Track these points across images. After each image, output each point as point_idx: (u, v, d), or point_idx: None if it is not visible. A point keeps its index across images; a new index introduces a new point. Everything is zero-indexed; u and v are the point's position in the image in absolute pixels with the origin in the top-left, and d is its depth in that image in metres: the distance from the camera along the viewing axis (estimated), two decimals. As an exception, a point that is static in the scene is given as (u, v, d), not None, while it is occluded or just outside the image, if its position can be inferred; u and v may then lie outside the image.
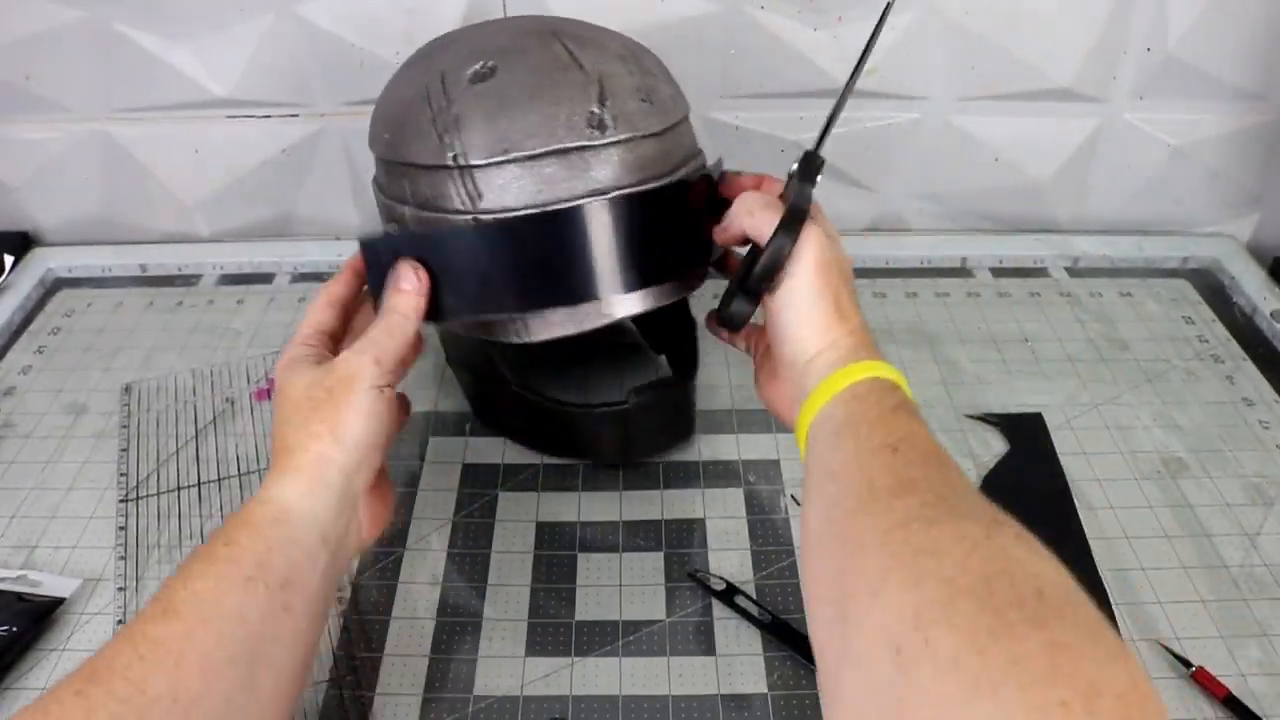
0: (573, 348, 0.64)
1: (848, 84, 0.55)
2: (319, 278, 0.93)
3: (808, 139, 0.97)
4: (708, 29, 0.84)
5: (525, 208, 0.56)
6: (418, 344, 0.56)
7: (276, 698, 0.45)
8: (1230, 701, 0.56)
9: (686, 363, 0.74)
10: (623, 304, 0.58)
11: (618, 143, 0.57)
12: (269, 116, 0.90)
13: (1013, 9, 0.83)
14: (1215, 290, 0.91)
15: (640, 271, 0.57)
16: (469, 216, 0.57)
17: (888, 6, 0.56)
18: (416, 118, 0.59)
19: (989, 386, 0.79)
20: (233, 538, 0.46)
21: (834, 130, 0.55)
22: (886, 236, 0.96)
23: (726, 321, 0.54)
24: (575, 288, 0.57)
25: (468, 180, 0.57)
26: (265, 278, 0.93)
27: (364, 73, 0.87)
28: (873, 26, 0.56)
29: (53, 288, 0.93)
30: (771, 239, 0.50)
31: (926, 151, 0.91)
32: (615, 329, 0.61)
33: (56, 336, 0.86)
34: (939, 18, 0.84)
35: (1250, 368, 0.81)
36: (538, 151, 0.56)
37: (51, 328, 0.87)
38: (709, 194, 0.61)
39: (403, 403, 0.60)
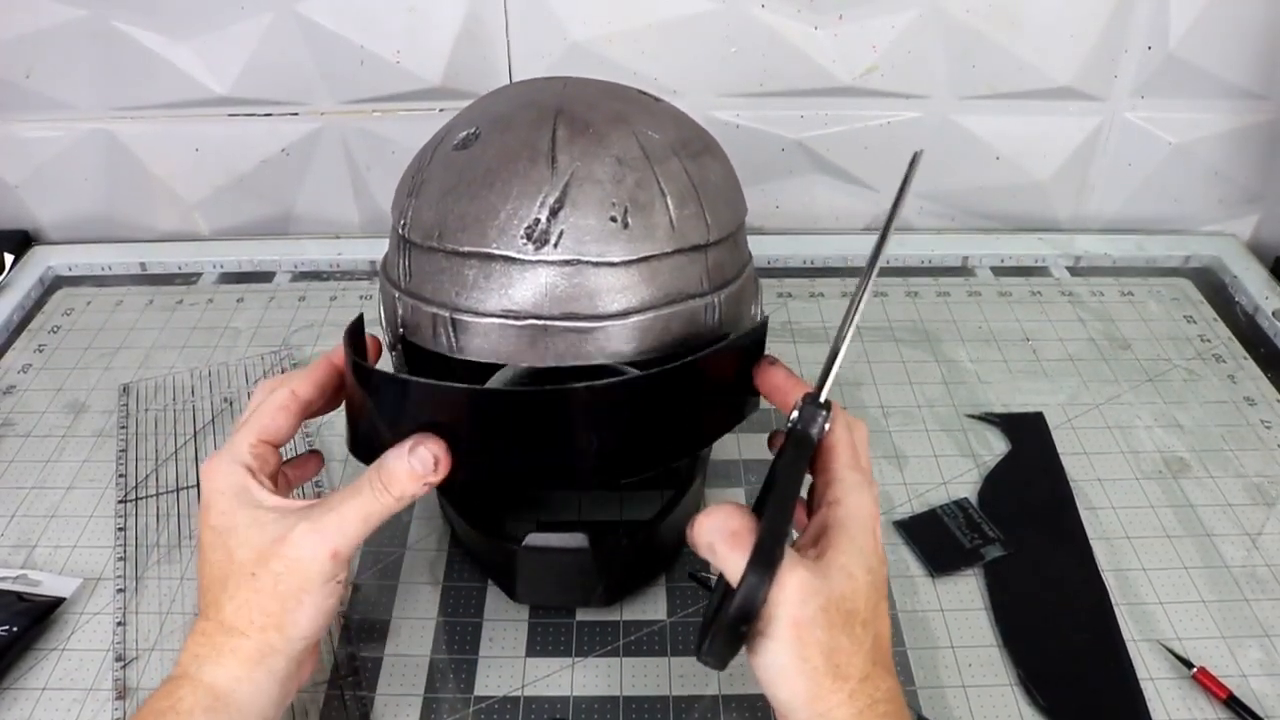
0: None
1: (855, 296, 0.47)
2: (319, 276, 0.93)
3: (808, 138, 0.98)
4: (708, 27, 0.84)
5: (439, 305, 0.50)
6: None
7: None
8: (1232, 702, 0.55)
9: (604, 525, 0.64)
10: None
11: (551, 263, 0.48)
12: (269, 115, 0.90)
13: (1013, 8, 0.83)
14: (1217, 289, 0.91)
15: (530, 473, 0.49)
16: (397, 293, 0.53)
17: (915, 156, 0.48)
18: (408, 170, 0.56)
19: (990, 386, 0.79)
20: None
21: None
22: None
23: (703, 662, 0.44)
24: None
25: (405, 255, 0.52)
26: (265, 276, 0.93)
27: (364, 71, 0.87)
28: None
29: (52, 286, 0.93)
30: (739, 584, 0.40)
31: (927, 150, 0.91)
32: None
33: (56, 335, 0.86)
34: (940, 17, 0.84)
35: (1252, 367, 0.81)
36: (463, 249, 0.49)
37: (51, 326, 0.87)
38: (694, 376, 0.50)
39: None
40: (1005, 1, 0.83)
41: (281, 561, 0.44)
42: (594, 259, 0.48)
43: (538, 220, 0.48)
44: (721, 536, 0.43)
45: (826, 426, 0.46)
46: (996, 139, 0.91)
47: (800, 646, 0.41)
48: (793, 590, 0.41)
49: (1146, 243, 0.95)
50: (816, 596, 0.41)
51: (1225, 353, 0.82)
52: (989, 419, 0.75)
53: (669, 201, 0.51)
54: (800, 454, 0.45)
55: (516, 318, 0.49)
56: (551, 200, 0.49)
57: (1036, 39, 0.85)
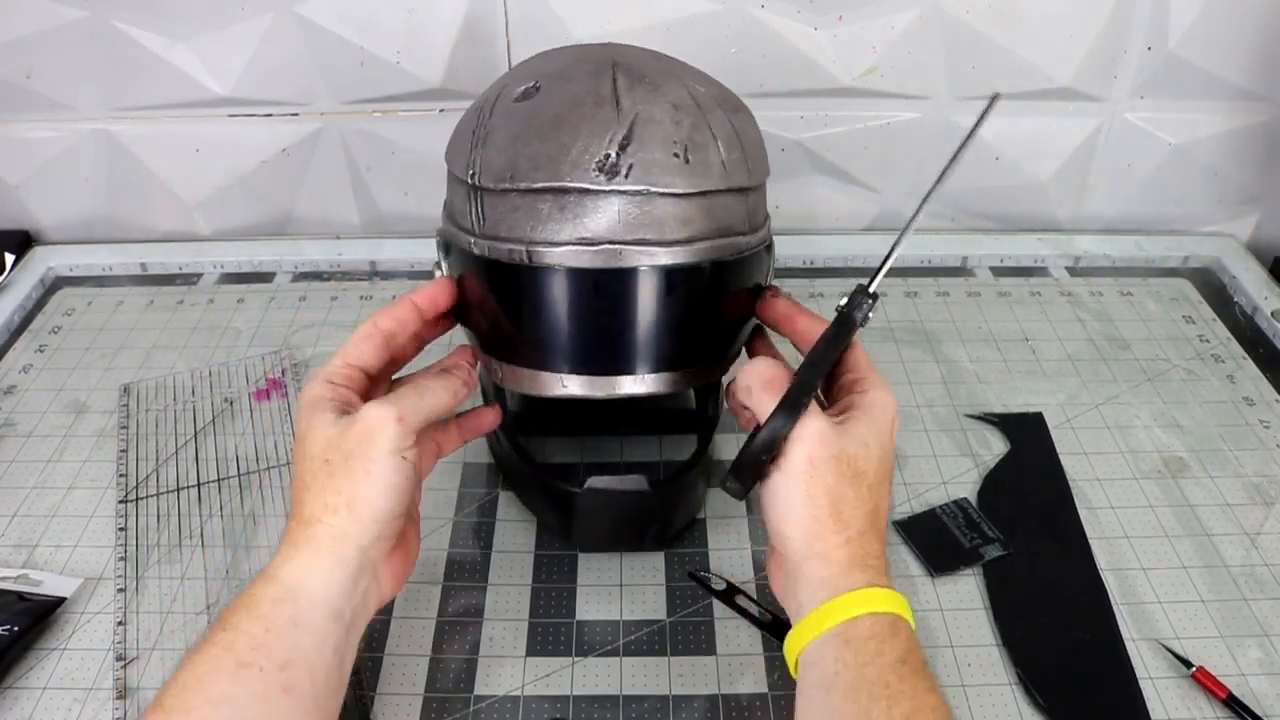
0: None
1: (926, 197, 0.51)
2: (319, 277, 0.93)
3: (808, 138, 0.98)
4: (708, 28, 0.84)
5: (515, 241, 0.53)
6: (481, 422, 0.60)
7: None
8: (1231, 701, 0.56)
9: (672, 468, 0.69)
10: (573, 382, 0.55)
11: (624, 193, 0.52)
12: (269, 115, 0.90)
13: (1013, 9, 0.83)
14: (1216, 289, 0.91)
15: (597, 352, 0.55)
16: (471, 239, 0.56)
17: (994, 98, 0.51)
18: (465, 127, 0.59)
19: (989, 386, 0.79)
20: (230, 623, 0.45)
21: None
22: (887, 235, 0.95)
23: (724, 489, 0.50)
24: (522, 346, 0.56)
25: (477, 200, 0.55)
26: (265, 277, 0.93)
27: (364, 72, 0.87)
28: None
29: (53, 286, 0.93)
30: (767, 421, 0.47)
31: (927, 150, 0.91)
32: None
33: (57, 335, 0.86)
34: (940, 17, 0.84)
35: (1251, 367, 0.81)
36: (537, 185, 0.52)
37: (52, 326, 0.87)
38: (727, 283, 0.56)
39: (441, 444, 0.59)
40: (1005, 2, 0.83)
41: (351, 439, 0.47)
42: (662, 189, 0.52)
43: (608, 155, 0.52)
44: (759, 382, 0.49)
45: (870, 315, 0.50)
46: (996, 139, 0.91)
47: (810, 484, 0.46)
48: (812, 433, 0.47)
49: (1146, 243, 0.95)
50: (831, 445, 0.47)
51: (1224, 353, 0.82)
52: (988, 419, 0.75)
53: (720, 145, 0.55)
54: (841, 332, 0.50)
55: (591, 244, 0.52)
56: (620, 137, 0.52)
57: (1036, 39, 0.85)
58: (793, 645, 0.47)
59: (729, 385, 0.54)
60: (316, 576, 0.46)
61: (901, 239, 0.52)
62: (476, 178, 0.55)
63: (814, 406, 0.48)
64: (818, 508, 0.46)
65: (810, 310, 0.56)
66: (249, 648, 0.44)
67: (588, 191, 0.52)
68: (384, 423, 0.47)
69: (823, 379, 0.50)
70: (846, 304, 0.51)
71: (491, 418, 0.62)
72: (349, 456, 0.47)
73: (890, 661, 0.43)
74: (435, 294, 0.57)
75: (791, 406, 0.47)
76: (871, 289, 0.51)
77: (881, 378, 0.51)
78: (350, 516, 0.47)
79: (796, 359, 0.52)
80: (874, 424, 0.48)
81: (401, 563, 0.52)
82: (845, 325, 0.50)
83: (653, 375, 0.55)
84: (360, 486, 0.47)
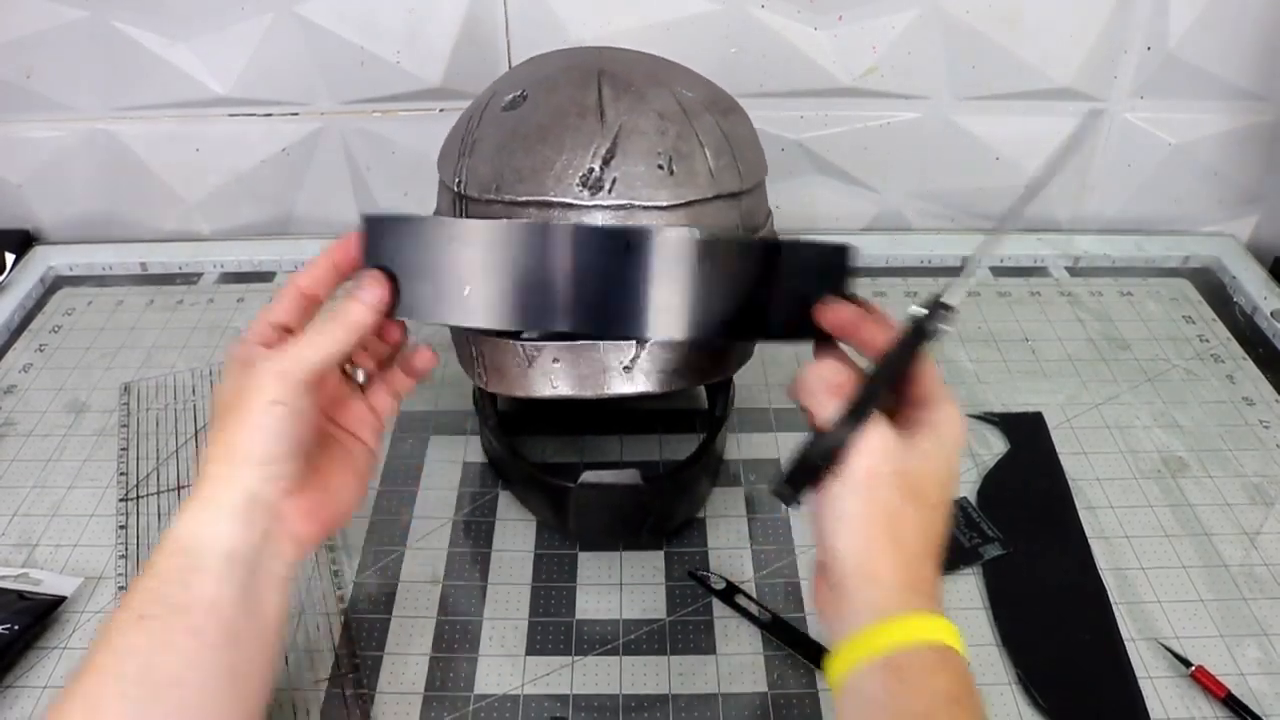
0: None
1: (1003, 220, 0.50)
2: (319, 276, 0.93)
3: (808, 138, 0.97)
4: (708, 28, 0.84)
5: None
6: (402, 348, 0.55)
7: (213, 713, 0.44)
8: (1230, 701, 0.56)
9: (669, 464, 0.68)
10: (562, 382, 0.55)
11: (607, 208, 0.52)
12: (269, 115, 0.90)
13: (1013, 9, 0.83)
14: (1215, 289, 0.91)
15: (595, 314, 0.51)
16: None
17: (1090, 113, 0.51)
18: (455, 135, 0.58)
19: (989, 386, 0.79)
20: (131, 586, 0.46)
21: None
22: (887, 235, 0.96)
23: (775, 494, 0.47)
24: (526, 308, 0.52)
25: (462, 210, 0.56)
26: (265, 276, 0.93)
27: (364, 72, 0.87)
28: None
29: (53, 286, 0.93)
30: (825, 431, 0.45)
31: (927, 150, 0.91)
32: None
33: (57, 335, 0.86)
34: (940, 17, 0.84)
35: (1250, 367, 0.81)
36: (521, 199, 0.53)
37: (52, 326, 0.87)
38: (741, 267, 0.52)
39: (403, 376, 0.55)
40: (1005, 2, 0.83)
41: (235, 389, 0.48)
42: (644, 203, 0.52)
43: (592, 169, 0.52)
44: (824, 385, 0.47)
45: (945, 328, 0.48)
46: (996, 139, 0.91)
47: (869, 498, 0.44)
48: (875, 446, 0.44)
49: (1146, 243, 0.95)
50: (894, 460, 0.44)
51: (1224, 353, 0.82)
52: (988, 419, 0.75)
53: (707, 152, 0.54)
54: (915, 341, 0.48)
55: None
56: (603, 151, 0.52)
57: (1036, 39, 0.85)
58: (836, 666, 0.45)
59: (793, 380, 0.50)
60: (203, 522, 0.46)
61: (986, 248, 0.51)
62: (463, 186, 0.55)
63: (879, 418, 0.45)
64: (873, 525, 0.44)
65: (878, 313, 0.52)
66: (146, 601, 0.45)
67: (571, 206, 0.52)
68: (261, 376, 0.48)
69: (890, 390, 0.47)
70: (925, 315, 0.48)
71: (427, 357, 0.56)
72: (229, 408, 0.48)
73: (937, 695, 0.41)
74: (344, 245, 0.54)
75: (856, 415, 0.45)
76: (951, 301, 0.48)
77: (951, 395, 0.48)
78: (228, 461, 0.47)
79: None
80: (940, 442, 0.46)
81: (320, 504, 0.50)
82: (920, 335, 0.48)
83: (644, 375, 0.55)
84: (235, 434, 0.47)
